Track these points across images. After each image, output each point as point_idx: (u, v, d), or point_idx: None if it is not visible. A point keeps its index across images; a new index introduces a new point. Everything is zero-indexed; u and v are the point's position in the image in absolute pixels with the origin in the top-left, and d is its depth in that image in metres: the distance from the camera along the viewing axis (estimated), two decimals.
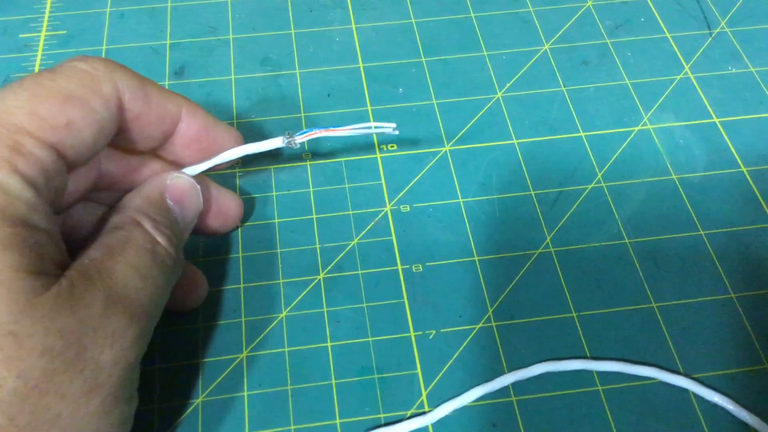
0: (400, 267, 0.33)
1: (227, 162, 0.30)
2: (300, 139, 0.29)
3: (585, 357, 0.30)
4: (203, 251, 0.33)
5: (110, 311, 0.22)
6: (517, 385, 0.29)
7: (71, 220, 0.27)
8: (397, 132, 0.30)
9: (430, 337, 0.31)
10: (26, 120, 0.22)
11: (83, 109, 0.24)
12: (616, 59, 0.41)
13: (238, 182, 0.35)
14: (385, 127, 0.30)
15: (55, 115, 0.23)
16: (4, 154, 0.21)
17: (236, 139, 0.30)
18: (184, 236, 0.28)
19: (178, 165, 0.29)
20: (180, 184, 0.28)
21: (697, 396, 0.29)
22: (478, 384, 0.29)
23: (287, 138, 0.29)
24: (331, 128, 0.30)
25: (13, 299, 0.20)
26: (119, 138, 0.26)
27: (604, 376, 0.30)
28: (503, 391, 0.29)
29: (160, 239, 0.25)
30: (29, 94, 0.23)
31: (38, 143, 0.22)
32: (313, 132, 0.30)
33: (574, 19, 0.43)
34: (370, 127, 0.30)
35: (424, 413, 0.29)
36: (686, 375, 0.30)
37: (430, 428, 0.29)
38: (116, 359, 0.22)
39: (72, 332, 0.21)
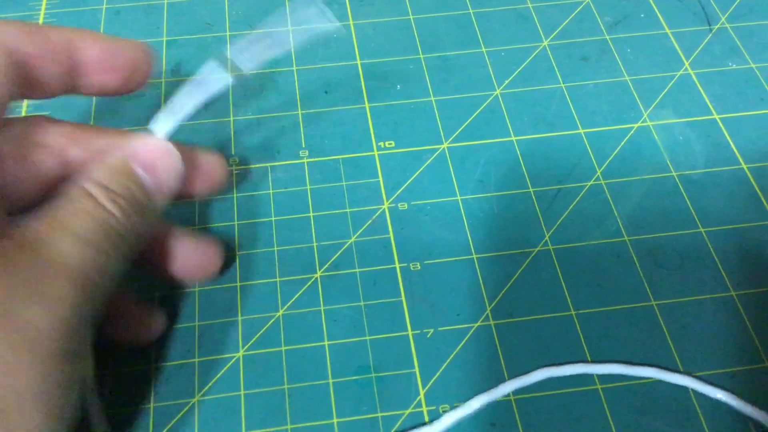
0: (397, 265, 0.32)
1: (192, 110, 0.29)
2: (244, 64, 0.28)
3: (585, 361, 0.30)
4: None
5: (44, 276, 0.22)
6: (515, 383, 0.29)
7: None
8: (337, 24, 0.28)
9: (428, 335, 0.31)
10: None
11: None
12: (616, 55, 0.40)
13: (234, 180, 0.35)
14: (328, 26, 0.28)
15: None
16: None
17: (143, 50, 0.29)
18: (157, 205, 0.27)
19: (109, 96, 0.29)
20: (151, 148, 0.27)
21: (697, 393, 0.29)
22: (477, 385, 0.29)
23: (222, 64, 0.29)
24: (273, 41, 0.29)
25: None
26: (28, 86, 0.26)
27: (604, 377, 0.29)
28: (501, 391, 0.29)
29: (112, 208, 0.25)
30: None
31: None
32: (253, 50, 0.28)
33: (573, 15, 0.42)
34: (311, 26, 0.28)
35: (425, 424, 0.28)
36: (687, 373, 0.30)
37: (425, 412, 0.28)
38: (53, 321, 0.22)
39: (17, 276, 0.21)
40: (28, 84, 0.26)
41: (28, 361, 0.22)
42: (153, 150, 0.27)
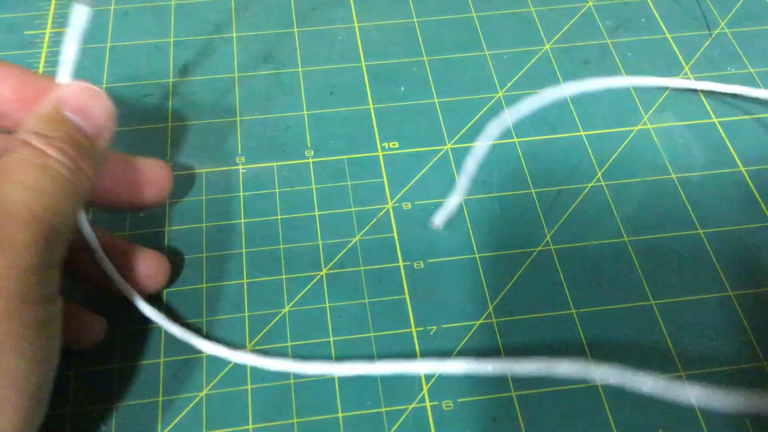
0: (401, 264, 0.33)
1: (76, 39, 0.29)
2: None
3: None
4: (207, 246, 0.33)
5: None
6: (516, 380, 0.30)
7: None
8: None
9: (432, 332, 0.31)
10: None
11: None
12: (617, 59, 0.41)
13: (241, 179, 0.35)
14: None
15: None
16: None
17: (51, 81, 0.29)
18: (98, 144, 0.27)
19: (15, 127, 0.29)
20: (77, 92, 0.27)
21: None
22: (479, 381, 0.30)
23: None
24: None
25: None
26: None
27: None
28: (503, 386, 0.30)
29: (52, 152, 0.25)
30: None
31: None
32: None
33: (575, 19, 0.43)
34: None
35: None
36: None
37: (430, 418, 0.29)
38: (11, 263, 0.23)
39: None
40: None
41: None
42: (80, 94, 0.27)
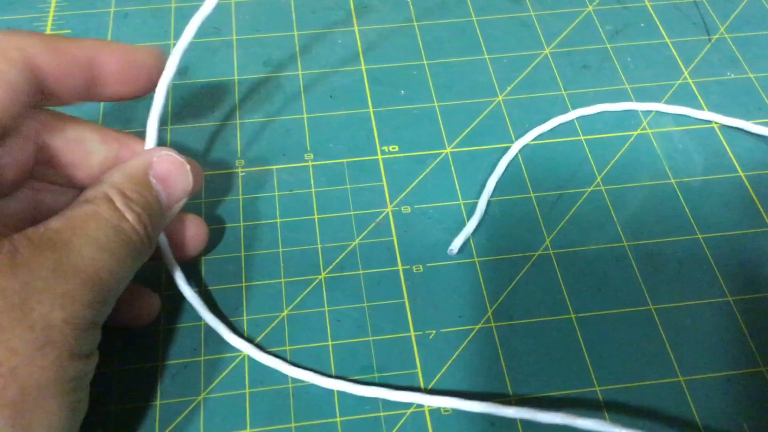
0: (400, 267, 0.33)
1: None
2: None
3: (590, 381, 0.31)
4: (206, 249, 0.33)
5: (59, 276, 0.23)
6: (515, 385, 0.30)
7: (31, 202, 0.28)
8: None
9: (430, 336, 0.31)
10: None
11: None
12: (616, 64, 0.41)
13: (240, 182, 0.35)
14: None
15: None
16: None
17: (158, 56, 0.29)
18: (168, 215, 0.28)
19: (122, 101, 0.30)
20: (167, 161, 0.28)
21: (694, 398, 0.29)
22: (478, 385, 0.30)
23: None
24: None
25: None
26: (46, 96, 0.27)
27: (602, 376, 0.30)
28: (502, 390, 0.30)
29: (129, 216, 0.26)
30: None
31: None
32: None
33: (574, 24, 0.43)
34: None
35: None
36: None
37: (429, 422, 0.29)
38: (68, 319, 0.23)
39: (15, 293, 0.22)
40: (44, 95, 0.26)
41: (52, 359, 0.23)
42: (169, 163, 0.28)
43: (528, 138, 0.36)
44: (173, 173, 0.28)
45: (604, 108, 0.38)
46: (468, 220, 0.34)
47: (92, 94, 0.28)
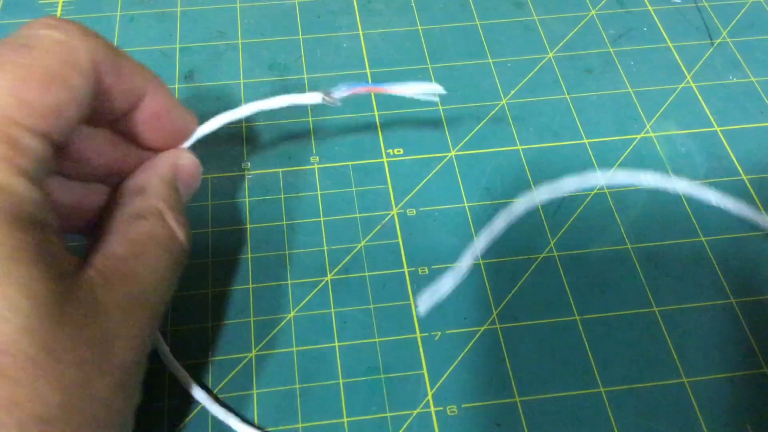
0: (406, 269, 0.33)
1: (241, 117, 0.29)
2: (339, 94, 0.29)
3: (588, 362, 0.31)
4: (212, 252, 0.33)
5: (129, 315, 0.22)
6: (521, 386, 0.30)
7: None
8: (441, 92, 0.29)
9: (436, 338, 0.31)
10: (17, 110, 0.21)
11: (67, 90, 0.22)
12: (619, 68, 0.41)
13: (246, 184, 0.36)
14: (429, 90, 0.29)
15: (43, 101, 0.21)
16: (3, 153, 0.20)
17: (193, 122, 0.28)
18: None
19: (135, 143, 0.28)
20: (190, 164, 0.28)
21: (698, 396, 0.30)
22: (484, 386, 0.30)
23: (324, 94, 0.29)
24: (372, 86, 0.29)
25: (45, 314, 0.19)
26: (92, 113, 0.25)
27: (606, 378, 0.30)
28: (508, 392, 0.30)
29: (179, 234, 0.25)
30: (12, 77, 0.21)
31: (32, 135, 0.21)
32: (353, 89, 0.29)
33: (578, 28, 0.43)
34: (412, 88, 0.29)
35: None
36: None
37: (435, 423, 0.29)
38: (136, 359, 0.23)
39: (99, 341, 0.21)
40: (93, 112, 0.25)
41: (122, 401, 0.22)
42: (192, 165, 0.28)
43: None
44: (193, 175, 0.28)
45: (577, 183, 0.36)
46: (472, 222, 0.35)
47: (120, 122, 0.27)
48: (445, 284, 0.31)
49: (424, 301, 0.31)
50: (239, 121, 0.38)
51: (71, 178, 0.27)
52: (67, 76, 0.22)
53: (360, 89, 0.29)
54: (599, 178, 0.33)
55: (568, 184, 0.33)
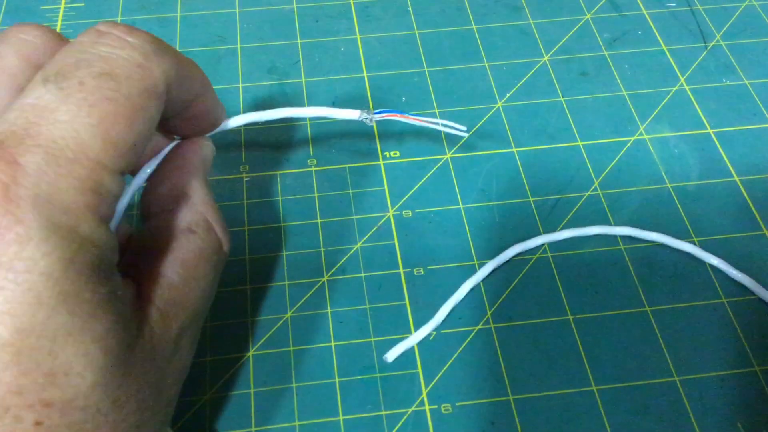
0: (402, 270, 0.34)
1: (270, 119, 0.29)
2: (377, 118, 0.30)
3: (582, 365, 0.31)
4: None
5: (178, 346, 0.22)
6: (514, 385, 0.30)
7: None
8: (465, 134, 0.32)
9: (431, 338, 0.32)
10: (103, 152, 0.19)
11: (148, 122, 0.20)
12: (614, 71, 0.42)
13: (245, 187, 0.36)
14: (455, 129, 0.31)
15: (126, 138, 0.19)
16: (88, 201, 0.18)
17: (223, 112, 0.27)
18: None
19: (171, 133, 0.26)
20: (212, 155, 0.27)
21: (688, 394, 0.30)
22: (478, 385, 0.30)
23: (364, 114, 0.30)
24: (407, 115, 0.31)
25: (116, 365, 0.19)
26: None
27: (599, 376, 0.31)
28: (501, 390, 0.30)
29: (225, 242, 0.24)
30: (98, 113, 0.19)
31: (113, 176, 0.19)
32: (389, 114, 0.30)
33: (573, 32, 0.44)
34: (438, 124, 0.31)
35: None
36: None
37: (429, 421, 0.29)
38: (178, 389, 0.23)
39: (156, 382, 0.21)
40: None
41: (158, 426, 0.22)
42: (211, 154, 0.27)
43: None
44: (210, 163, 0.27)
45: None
46: (467, 224, 0.35)
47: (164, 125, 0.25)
48: (420, 334, 0.31)
49: (394, 351, 0.31)
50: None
51: None
52: (147, 107, 0.20)
53: (395, 115, 0.30)
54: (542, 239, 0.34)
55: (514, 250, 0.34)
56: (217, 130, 0.28)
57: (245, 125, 0.29)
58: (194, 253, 0.23)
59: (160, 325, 0.21)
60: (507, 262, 0.34)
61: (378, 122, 0.38)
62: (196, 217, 0.24)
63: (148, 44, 0.21)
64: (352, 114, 0.30)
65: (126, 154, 0.19)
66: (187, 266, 0.23)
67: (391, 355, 0.31)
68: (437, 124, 0.31)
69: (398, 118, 0.31)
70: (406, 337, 0.31)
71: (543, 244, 0.34)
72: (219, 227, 0.24)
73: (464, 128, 0.31)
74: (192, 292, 0.22)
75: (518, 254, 0.34)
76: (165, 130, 0.26)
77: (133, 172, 0.25)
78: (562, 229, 0.35)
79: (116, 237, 0.20)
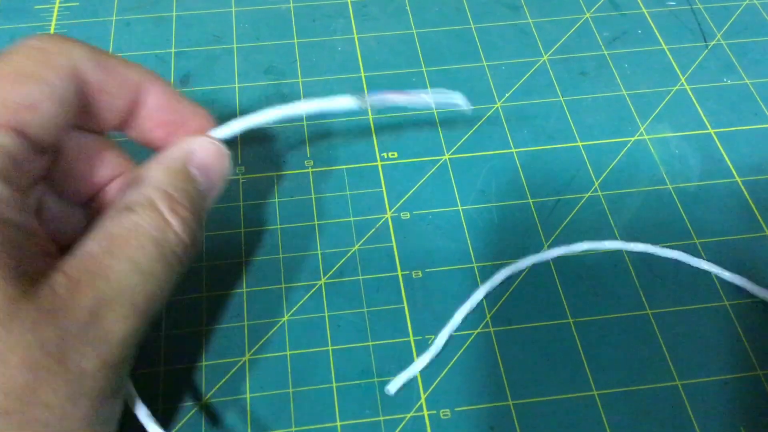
0: (400, 273, 0.33)
1: (266, 121, 0.29)
2: (371, 100, 0.29)
3: (583, 370, 0.31)
4: (206, 256, 0.33)
5: (96, 317, 0.21)
6: (514, 389, 0.30)
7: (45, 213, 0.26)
8: (469, 108, 0.30)
9: (430, 341, 0.31)
10: None
11: (41, 85, 0.22)
12: (614, 70, 0.41)
13: (241, 189, 0.36)
14: (455, 103, 0.30)
15: (13, 96, 0.22)
16: None
17: (204, 116, 0.28)
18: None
19: (149, 147, 0.27)
20: (208, 148, 0.27)
21: (691, 400, 0.30)
22: (477, 390, 0.30)
23: (358, 100, 0.29)
24: (403, 91, 0.30)
25: None
26: (84, 114, 0.25)
27: (600, 381, 0.30)
28: (501, 395, 0.30)
29: (175, 224, 0.24)
30: None
31: (4, 130, 0.21)
32: (384, 93, 0.29)
33: (572, 31, 0.43)
34: (441, 96, 0.30)
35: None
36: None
37: (428, 426, 0.29)
38: (101, 364, 0.21)
39: (54, 344, 0.20)
40: (86, 113, 0.25)
41: (84, 409, 0.21)
42: (210, 151, 0.27)
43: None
44: (214, 161, 0.27)
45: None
46: (466, 225, 0.35)
47: (129, 124, 0.26)
48: (420, 363, 0.30)
49: (396, 383, 0.30)
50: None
51: (73, 200, 0.27)
52: (40, 74, 0.22)
53: (391, 94, 0.29)
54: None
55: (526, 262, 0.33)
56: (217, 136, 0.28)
57: (232, 136, 0.29)
58: (127, 229, 0.23)
59: (67, 288, 0.21)
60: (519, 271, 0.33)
61: (375, 120, 0.38)
62: (139, 198, 0.24)
63: (52, 36, 0.24)
64: (345, 102, 0.29)
65: (16, 110, 0.22)
66: (115, 240, 0.22)
67: (393, 387, 0.30)
68: (444, 94, 0.30)
69: (394, 96, 0.29)
70: (405, 340, 0.31)
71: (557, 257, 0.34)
72: (167, 208, 0.24)
73: (468, 106, 0.30)
74: (117, 265, 0.22)
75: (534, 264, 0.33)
76: (152, 145, 0.27)
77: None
78: (567, 241, 0.35)
79: (20, 196, 0.21)
